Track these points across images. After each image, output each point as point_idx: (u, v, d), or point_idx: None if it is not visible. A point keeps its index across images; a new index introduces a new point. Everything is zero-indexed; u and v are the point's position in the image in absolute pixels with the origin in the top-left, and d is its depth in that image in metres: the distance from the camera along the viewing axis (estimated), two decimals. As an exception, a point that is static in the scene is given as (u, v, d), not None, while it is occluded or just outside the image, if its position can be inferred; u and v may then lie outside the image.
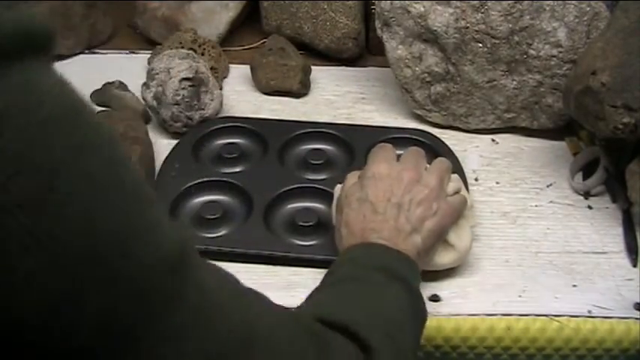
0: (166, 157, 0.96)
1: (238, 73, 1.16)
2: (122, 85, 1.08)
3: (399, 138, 0.98)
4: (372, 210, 0.76)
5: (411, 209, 0.76)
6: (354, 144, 0.98)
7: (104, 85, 1.09)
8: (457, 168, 0.93)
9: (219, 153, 0.97)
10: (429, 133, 1.01)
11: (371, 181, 0.78)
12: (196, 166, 0.95)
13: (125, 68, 1.15)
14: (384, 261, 0.72)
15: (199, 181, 0.92)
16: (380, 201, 0.77)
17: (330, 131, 1.00)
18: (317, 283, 0.83)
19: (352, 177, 0.82)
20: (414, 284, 0.72)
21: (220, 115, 1.04)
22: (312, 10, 1.16)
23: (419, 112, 1.06)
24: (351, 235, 0.76)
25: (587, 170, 0.97)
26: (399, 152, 0.85)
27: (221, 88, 1.11)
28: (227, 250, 0.84)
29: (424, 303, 0.72)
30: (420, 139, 0.99)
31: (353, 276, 0.70)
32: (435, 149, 0.97)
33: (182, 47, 1.11)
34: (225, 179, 0.93)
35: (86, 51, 1.21)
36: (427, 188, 0.78)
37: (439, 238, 0.79)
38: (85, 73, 1.15)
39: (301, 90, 1.12)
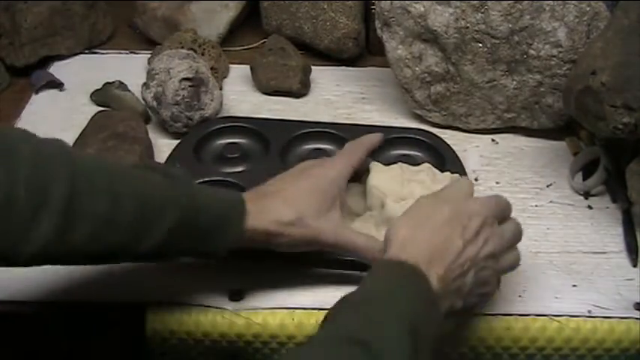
0: (168, 157, 0.96)
1: (238, 73, 1.16)
2: (122, 85, 1.08)
3: (400, 138, 0.98)
4: (457, 252, 0.68)
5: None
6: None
7: (104, 85, 1.09)
8: (459, 167, 0.92)
9: (220, 153, 0.98)
10: (430, 132, 1.01)
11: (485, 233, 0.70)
12: (198, 165, 0.95)
13: (125, 68, 1.15)
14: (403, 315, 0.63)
15: (200, 180, 0.92)
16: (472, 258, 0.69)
17: (332, 131, 1.00)
18: (316, 282, 0.83)
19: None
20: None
21: (220, 115, 1.04)
22: (312, 10, 1.16)
23: (419, 112, 1.06)
24: (416, 248, 0.68)
25: (587, 170, 0.97)
26: (400, 152, 0.86)
27: (221, 88, 1.11)
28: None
29: None
30: (422, 138, 0.98)
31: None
32: (437, 149, 0.97)
33: (182, 47, 1.11)
34: (226, 179, 0.93)
35: (86, 51, 1.21)
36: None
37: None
38: (85, 73, 1.15)
39: (301, 90, 1.12)
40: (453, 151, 0.97)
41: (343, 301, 0.64)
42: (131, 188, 0.67)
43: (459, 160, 0.95)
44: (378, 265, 0.69)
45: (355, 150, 0.84)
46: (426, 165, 0.87)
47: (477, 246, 0.69)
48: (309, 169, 0.80)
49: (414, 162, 0.91)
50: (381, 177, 0.84)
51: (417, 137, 0.99)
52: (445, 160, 0.94)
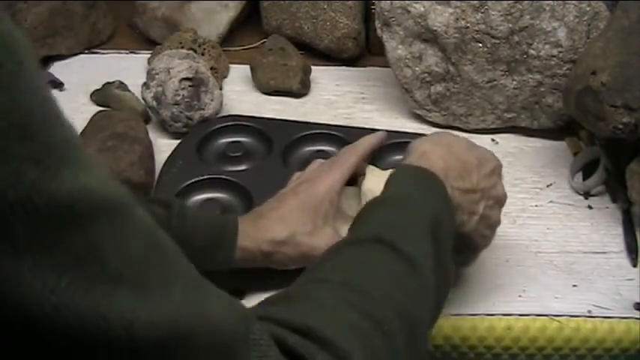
0: (170, 155, 0.96)
1: (238, 73, 1.16)
2: (122, 85, 1.08)
3: (402, 143, 0.97)
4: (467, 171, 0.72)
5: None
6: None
7: (104, 85, 1.09)
8: None
9: (223, 151, 0.98)
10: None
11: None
12: (199, 163, 0.95)
13: (125, 68, 1.15)
14: (428, 212, 0.66)
15: (200, 178, 0.92)
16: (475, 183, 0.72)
17: (335, 133, 1.00)
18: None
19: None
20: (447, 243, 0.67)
21: (221, 115, 1.04)
22: (312, 10, 1.16)
23: (419, 112, 1.06)
24: (429, 160, 0.70)
25: (587, 170, 0.97)
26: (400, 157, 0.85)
27: (221, 88, 1.11)
28: None
29: (448, 268, 0.66)
30: None
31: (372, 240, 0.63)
32: None
33: (182, 47, 1.11)
34: (227, 177, 0.93)
35: (86, 51, 1.21)
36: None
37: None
38: (85, 73, 1.15)
39: (301, 90, 1.12)
40: None
41: (370, 205, 0.67)
42: None
43: None
44: (398, 170, 0.71)
45: (348, 157, 0.84)
46: None
47: (490, 183, 0.73)
48: (299, 187, 0.81)
49: None
50: (376, 181, 0.84)
51: None
52: None
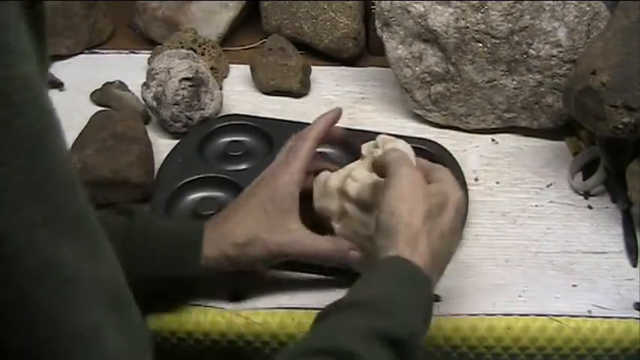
0: (169, 154, 0.96)
1: (238, 73, 1.16)
2: (122, 85, 1.08)
3: None
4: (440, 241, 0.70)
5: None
6: (358, 148, 0.97)
7: (104, 85, 1.09)
8: (457, 171, 0.92)
9: (223, 151, 0.98)
10: (428, 140, 0.99)
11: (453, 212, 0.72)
12: (199, 162, 0.95)
13: (125, 68, 1.15)
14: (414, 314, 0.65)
15: (199, 177, 0.92)
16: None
17: None
18: (316, 282, 0.83)
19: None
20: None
21: (221, 114, 1.04)
22: (312, 10, 1.16)
23: (419, 111, 1.06)
24: (411, 247, 0.68)
25: (587, 170, 0.97)
26: None
27: (221, 88, 1.11)
28: None
29: None
30: (422, 147, 0.96)
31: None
32: (437, 156, 0.95)
33: (182, 47, 1.11)
34: (226, 176, 0.93)
35: (86, 51, 1.21)
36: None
37: None
38: (85, 73, 1.15)
39: (301, 90, 1.12)
40: (452, 157, 0.96)
41: (347, 304, 0.64)
42: None
43: (458, 164, 0.95)
44: (382, 263, 0.68)
45: (302, 145, 0.80)
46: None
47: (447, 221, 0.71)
48: (258, 185, 0.79)
49: None
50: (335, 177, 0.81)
51: (417, 146, 0.98)
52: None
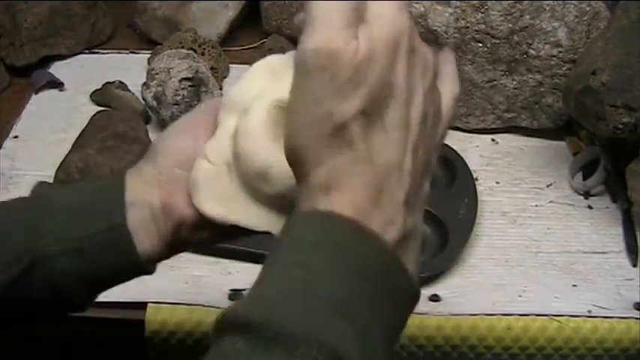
0: None
1: (238, 73, 1.16)
2: (122, 85, 1.08)
3: None
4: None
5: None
6: None
7: (104, 85, 1.09)
8: (464, 169, 0.93)
9: None
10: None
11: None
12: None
13: (125, 68, 1.15)
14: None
15: None
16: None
17: None
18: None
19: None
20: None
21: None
22: (312, 10, 1.16)
23: (419, 112, 1.06)
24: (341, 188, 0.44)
25: (587, 170, 0.97)
26: None
27: (221, 88, 1.11)
28: (230, 248, 0.84)
29: None
30: None
31: None
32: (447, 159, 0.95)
33: (182, 47, 1.11)
34: None
35: (86, 51, 1.21)
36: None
37: None
38: (85, 73, 1.15)
39: (301, 90, 1.12)
40: (458, 155, 0.96)
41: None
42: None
43: (465, 163, 0.95)
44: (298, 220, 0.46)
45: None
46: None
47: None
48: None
49: None
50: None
51: None
52: (456, 168, 0.94)
